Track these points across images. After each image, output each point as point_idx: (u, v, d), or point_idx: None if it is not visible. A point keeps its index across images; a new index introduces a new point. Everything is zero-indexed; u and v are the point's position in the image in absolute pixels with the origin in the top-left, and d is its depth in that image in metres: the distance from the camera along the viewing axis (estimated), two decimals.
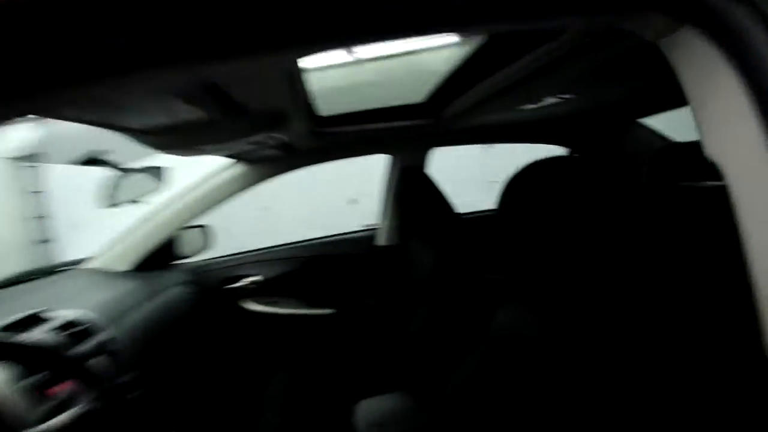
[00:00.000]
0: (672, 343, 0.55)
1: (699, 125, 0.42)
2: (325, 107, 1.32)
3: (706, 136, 0.42)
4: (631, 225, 0.60)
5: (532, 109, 1.36)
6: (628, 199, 0.65)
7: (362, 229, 1.88)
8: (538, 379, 0.62)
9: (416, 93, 1.37)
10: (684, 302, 0.58)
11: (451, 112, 1.31)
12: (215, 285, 1.69)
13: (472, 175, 3.59)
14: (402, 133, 1.58)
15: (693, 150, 1.49)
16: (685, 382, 0.53)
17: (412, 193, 1.50)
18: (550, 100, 1.22)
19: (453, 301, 1.21)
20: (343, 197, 4.51)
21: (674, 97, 1.37)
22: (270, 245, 1.83)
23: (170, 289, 1.42)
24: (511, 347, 0.69)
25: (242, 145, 1.08)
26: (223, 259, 1.77)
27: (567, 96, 1.16)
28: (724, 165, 0.40)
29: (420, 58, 1.37)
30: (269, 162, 1.53)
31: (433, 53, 1.18)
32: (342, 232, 1.86)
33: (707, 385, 0.50)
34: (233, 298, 1.69)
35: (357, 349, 1.60)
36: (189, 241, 1.60)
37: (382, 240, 1.76)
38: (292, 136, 1.20)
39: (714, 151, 0.40)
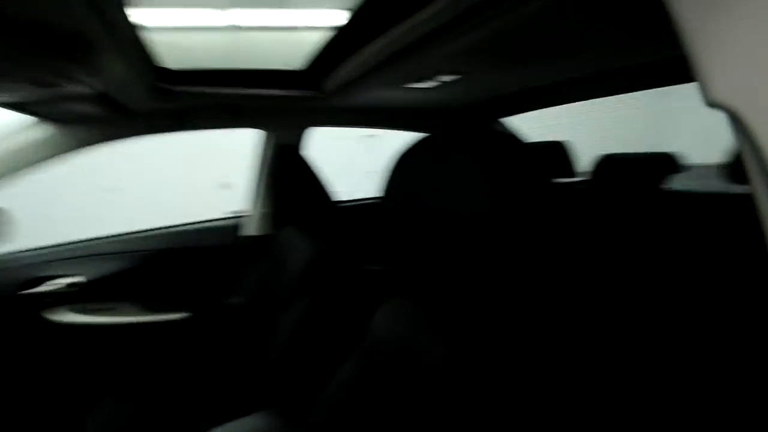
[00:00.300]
0: (573, 344, 0.50)
1: (700, 60, 0.30)
2: (180, 65, 1.06)
3: (714, 72, 0.30)
4: (523, 213, 0.54)
5: (411, 95, 1.31)
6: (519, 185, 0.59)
7: (226, 216, 1.61)
8: (423, 388, 0.53)
9: (293, 64, 1.20)
10: (580, 300, 0.55)
11: (332, 85, 1.17)
12: (8, 290, 1.23)
13: (348, 165, 3.53)
14: (277, 105, 1.37)
15: (548, 150, 1.63)
16: (589, 389, 0.48)
17: (287, 174, 1.32)
18: (429, 83, 1.18)
19: (332, 297, 1.08)
20: (214, 180, 4.05)
21: (543, 98, 1.49)
22: (99, 236, 1.42)
23: None
24: (392, 351, 0.60)
25: (32, 90, 0.75)
26: (23, 254, 1.31)
27: (447, 78, 1.12)
28: (743, 112, 0.29)
29: (299, 36, 1.25)
30: (92, 124, 1.16)
31: (313, 33, 1.10)
32: (201, 220, 1.56)
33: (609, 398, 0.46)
34: (35, 307, 1.26)
35: (213, 360, 1.35)
36: None
37: (251, 229, 1.52)
38: (119, 88, 0.90)
39: (725, 95, 0.29)
